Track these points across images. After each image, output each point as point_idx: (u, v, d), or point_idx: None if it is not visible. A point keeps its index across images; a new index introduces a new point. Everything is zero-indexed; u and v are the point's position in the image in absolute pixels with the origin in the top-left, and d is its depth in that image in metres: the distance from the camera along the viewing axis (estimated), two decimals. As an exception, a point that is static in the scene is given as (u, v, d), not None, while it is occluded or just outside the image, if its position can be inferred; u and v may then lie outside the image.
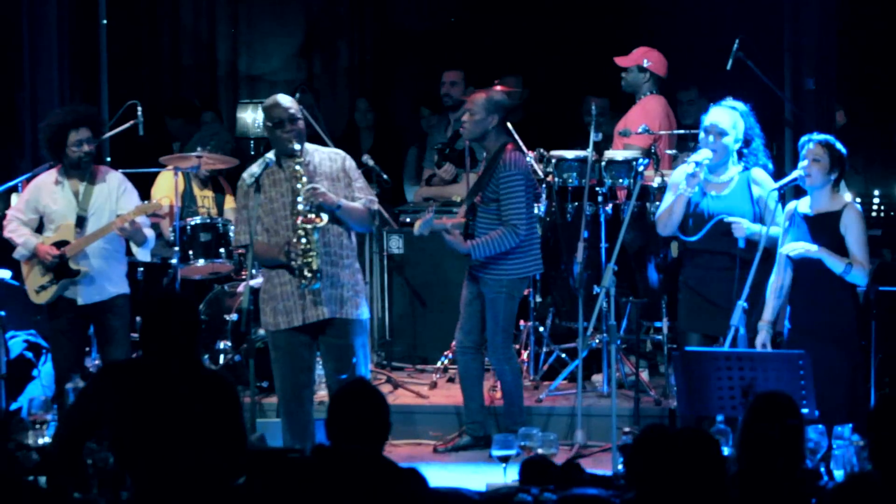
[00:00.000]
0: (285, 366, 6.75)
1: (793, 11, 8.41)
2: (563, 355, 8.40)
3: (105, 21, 9.14)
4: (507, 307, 7.35)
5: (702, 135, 6.88)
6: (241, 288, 8.03)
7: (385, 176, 8.70)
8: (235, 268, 8.36)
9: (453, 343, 7.87)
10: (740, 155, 6.87)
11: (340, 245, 6.73)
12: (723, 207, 6.81)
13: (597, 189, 8.08)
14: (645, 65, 8.47)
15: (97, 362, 8.00)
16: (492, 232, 7.24)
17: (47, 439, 5.51)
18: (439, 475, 6.71)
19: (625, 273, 8.02)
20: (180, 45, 11.86)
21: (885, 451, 4.24)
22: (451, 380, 8.47)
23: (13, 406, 7.80)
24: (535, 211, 7.71)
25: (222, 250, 8.19)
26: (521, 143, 7.96)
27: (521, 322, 8.40)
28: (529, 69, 10.37)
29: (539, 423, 7.60)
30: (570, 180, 8.17)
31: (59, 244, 7.36)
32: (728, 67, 8.20)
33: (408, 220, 9.10)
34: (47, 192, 7.48)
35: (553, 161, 8.19)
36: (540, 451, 5.30)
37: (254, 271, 7.21)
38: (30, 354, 8.25)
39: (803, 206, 6.57)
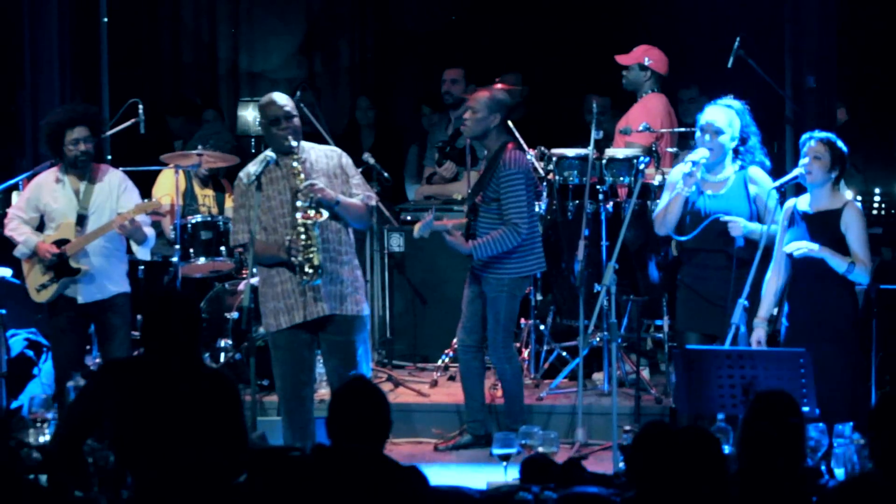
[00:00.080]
0: (286, 365, 6.75)
1: (793, 10, 8.41)
2: (564, 353, 8.40)
3: (106, 19, 9.15)
4: (508, 306, 7.35)
5: (698, 133, 6.88)
6: (241, 286, 8.03)
7: (386, 174, 8.70)
8: (236, 266, 8.37)
9: (454, 341, 7.87)
10: (736, 153, 6.86)
11: (339, 241, 6.73)
12: (719, 206, 6.80)
13: (598, 187, 8.08)
14: (646, 63, 8.47)
15: (98, 360, 8.00)
16: (493, 232, 7.23)
17: (48, 438, 5.50)
18: (440, 474, 6.72)
19: (626, 271, 8.02)
20: (181, 44, 11.86)
21: (886, 450, 4.24)
22: (451, 378, 8.47)
23: (14, 404, 7.81)
24: (536, 209, 7.71)
25: (223, 248, 8.19)
26: (521, 142, 7.97)
27: (522, 320, 8.40)
28: (530, 67, 10.38)
29: (540, 421, 7.61)
30: (571, 178, 8.17)
31: (60, 242, 7.37)
32: (729, 65, 8.21)
33: (408, 218, 9.11)
34: (48, 190, 7.48)
35: (554, 159, 8.19)
36: (541, 449, 5.29)
37: (254, 269, 7.21)
38: (30, 353, 8.26)
39: (802, 203, 6.56)
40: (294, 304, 6.65)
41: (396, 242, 9.08)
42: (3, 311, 7.76)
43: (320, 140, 7.61)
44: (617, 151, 8.19)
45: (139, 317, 7.86)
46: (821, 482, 4.86)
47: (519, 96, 9.60)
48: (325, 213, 6.55)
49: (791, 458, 4.30)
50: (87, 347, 8.04)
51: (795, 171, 6.54)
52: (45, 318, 7.73)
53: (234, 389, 4.81)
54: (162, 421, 4.63)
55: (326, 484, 4.21)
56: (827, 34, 8.34)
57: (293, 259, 6.55)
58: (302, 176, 6.59)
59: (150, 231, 7.51)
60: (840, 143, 6.49)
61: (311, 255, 6.54)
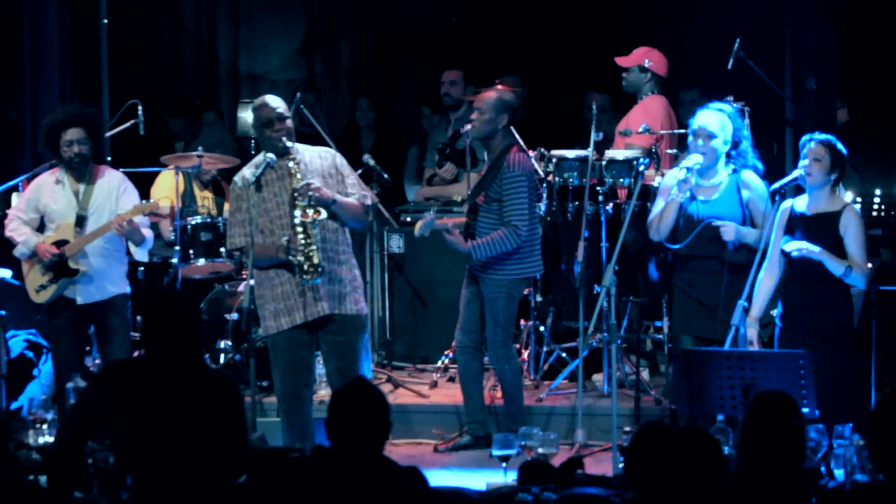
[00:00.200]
0: (285, 367, 6.75)
1: (793, 11, 8.41)
2: (564, 354, 8.40)
3: (105, 20, 9.14)
4: (506, 307, 7.35)
5: (690, 138, 6.87)
6: (241, 287, 8.03)
7: (386, 175, 8.70)
8: (236, 267, 8.37)
9: (454, 342, 7.87)
10: (728, 157, 6.86)
11: (337, 241, 6.73)
12: (712, 211, 6.80)
13: (597, 188, 8.09)
14: (646, 65, 8.46)
15: (97, 361, 8.00)
16: (493, 232, 7.23)
17: (48, 438, 5.51)
18: (440, 475, 6.73)
19: (625, 272, 8.03)
20: (181, 45, 11.86)
21: (886, 452, 4.24)
22: (451, 379, 8.47)
23: (14, 405, 7.81)
24: (537, 211, 7.70)
25: (223, 250, 8.19)
26: (522, 144, 7.97)
27: (522, 321, 8.40)
28: (529, 69, 10.37)
29: (539, 422, 7.61)
30: (571, 180, 8.17)
31: (59, 243, 7.37)
32: (729, 67, 8.21)
33: (408, 219, 9.10)
34: (48, 191, 7.48)
35: (554, 160, 8.19)
36: (540, 450, 5.29)
37: (254, 271, 7.20)
38: (30, 354, 8.26)
39: (800, 205, 6.56)
40: (294, 305, 6.65)
41: (396, 244, 9.08)
42: (3, 313, 7.76)
43: (321, 142, 7.60)
44: (617, 153, 8.19)
45: (139, 318, 7.87)
46: (820, 483, 4.86)
47: (519, 98, 9.60)
48: (324, 212, 6.56)
49: (791, 458, 4.30)
50: (87, 348, 8.04)
51: (795, 173, 6.54)
52: (44, 319, 7.73)
53: (236, 390, 4.81)
54: (162, 422, 4.63)
55: (326, 485, 4.21)
56: (827, 35, 8.34)
57: (292, 258, 6.55)
58: (298, 176, 6.59)
59: (148, 232, 7.50)
60: (840, 146, 6.49)
61: (310, 254, 6.54)
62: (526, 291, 8.12)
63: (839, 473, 5.07)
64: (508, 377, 7.45)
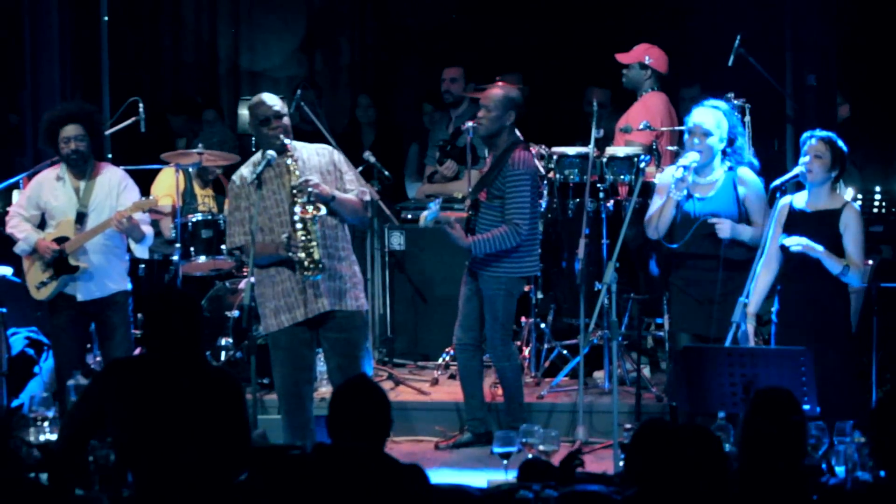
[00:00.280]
0: (286, 365, 6.74)
1: (794, 7, 8.41)
2: (565, 352, 8.40)
3: (106, 18, 9.15)
4: (505, 305, 7.35)
5: (686, 136, 6.87)
6: (242, 285, 8.03)
7: (386, 172, 8.70)
8: (237, 264, 8.37)
9: (453, 340, 7.86)
10: (724, 154, 6.86)
11: (336, 237, 6.72)
12: (708, 209, 6.81)
13: (598, 185, 8.09)
14: (646, 62, 8.46)
15: (98, 359, 8.00)
16: (494, 229, 7.23)
17: (48, 436, 5.51)
18: (440, 472, 6.73)
19: (626, 269, 8.03)
20: (182, 42, 11.86)
21: (887, 450, 4.24)
22: (452, 376, 8.47)
23: (15, 403, 7.81)
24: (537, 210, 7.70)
25: (224, 247, 8.18)
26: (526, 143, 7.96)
27: (523, 318, 8.41)
28: (530, 66, 10.37)
29: (540, 419, 7.62)
30: (572, 177, 8.18)
31: (60, 240, 7.37)
32: (730, 64, 8.21)
33: (409, 216, 9.11)
34: (48, 188, 7.49)
35: (554, 157, 8.19)
36: (541, 447, 5.28)
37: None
38: (31, 351, 8.26)
39: (799, 201, 6.57)
40: (294, 302, 6.65)
41: (397, 241, 9.08)
42: (4, 310, 7.76)
43: (321, 139, 7.60)
44: (617, 150, 8.19)
45: (140, 315, 7.87)
46: (821, 480, 4.86)
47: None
48: (323, 208, 6.56)
49: (792, 455, 4.30)
50: (88, 346, 8.04)
51: (796, 170, 6.54)
52: (45, 317, 7.73)
53: (238, 387, 4.81)
54: (164, 419, 4.63)
55: (327, 482, 4.21)
56: (827, 32, 8.35)
57: (293, 255, 6.54)
58: (297, 173, 6.58)
59: (148, 229, 7.50)
60: (840, 143, 6.50)
61: (311, 250, 6.53)
62: (527, 288, 8.13)
63: (840, 470, 5.07)
64: (509, 374, 7.45)
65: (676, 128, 8.40)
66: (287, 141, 6.64)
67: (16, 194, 8.32)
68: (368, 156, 8.65)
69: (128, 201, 7.39)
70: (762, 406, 4.36)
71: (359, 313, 6.77)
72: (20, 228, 7.48)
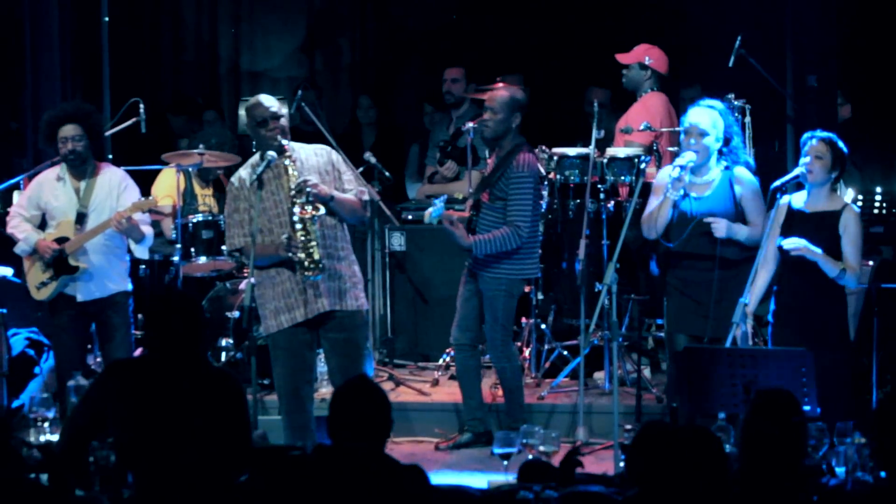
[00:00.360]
0: (286, 365, 6.74)
1: (794, 8, 8.41)
2: (565, 352, 8.40)
3: (107, 19, 9.15)
4: (506, 305, 7.35)
5: (682, 136, 6.88)
6: (242, 285, 8.03)
7: (387, 173, 8.70)
8: (237, 265, 8.36)
9: (451, 339, 7.84)
10: (720, 154, 6.87)
11: (335, 237, 6.73)
12: (705, 208, 6.81)
13: (599, 186, 8.09)
14: (646, 62, 8.46)
15: (99, 359, 8.00)
16: (495, 230, 7.23)
17: (49, 437, 5.51)
18: (441, 474, 6.73)
19: (627, 270, 8.02)
20: (182, 43, 11.86)
21: (888, 451, 4.24)
22: (452, 377, 8.46)
23: (15, 403, 7.81)
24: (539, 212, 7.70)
25: (224, 248, 8.18)
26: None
27: (524, 319, 8.41)
28: (530, 67, 10.37)
29: (541, 420, 7.62)
30: (572, 177, 8.18)
31: (60, 240, 7.37)
32: (730, 64, 8.21)
33: (409, 217, 9.11)
34: (49, 188, 7.49)
35: (555, 158, 8.20)
36: (541, 448, 5.28)
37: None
38: (31, 352, 8.26)
39: (798, 201, 6.57)
40: (294, 303, 6.65)
41: (398, 241, 9.08)
42: (4, 311, 7.76)
43: (322, 139, 7.60)
44: (618, 150, 8.19)
45: (140, 316, 7.88)
46: (822, 481, 4.86)
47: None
48: (322, 208, 6.56)
49: (792, 456, 4.30)
50: (89, 346, 8.04)
51: (797, 171, 6.54)
52: (45, 317, 7.73)
53: (239, 388, 4.81)
54: (165, 420, 4.63)
55: (328, 483, 4.21)
56: (828, 33, 8.35)
57: (293, 255, 6.54)
58: (294, 173, 6.59)
59: (148, 230, 7.50)
60: (841, 144, 6.50)
61: (311, 250, 6.53)
62: (527, 289, 8.13)
63: (840, 471, 5.07)
64: (509, 375, 7.45)
65: (676, 128, 8.40)
66: (284, 142, 6.64)
67: (16, 195, 8.32)
68: (369, 156, 8.65)
69: (128, 202, 7.39)
70: (763, 407, 4.36)
71: (359, 313, 6.77)
72: (21, 229, 7.48)
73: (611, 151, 8.18)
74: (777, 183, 6.64)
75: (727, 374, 5.66)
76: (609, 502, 4.49)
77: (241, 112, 10.89)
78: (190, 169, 8.41)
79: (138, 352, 7.73)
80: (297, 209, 6.53)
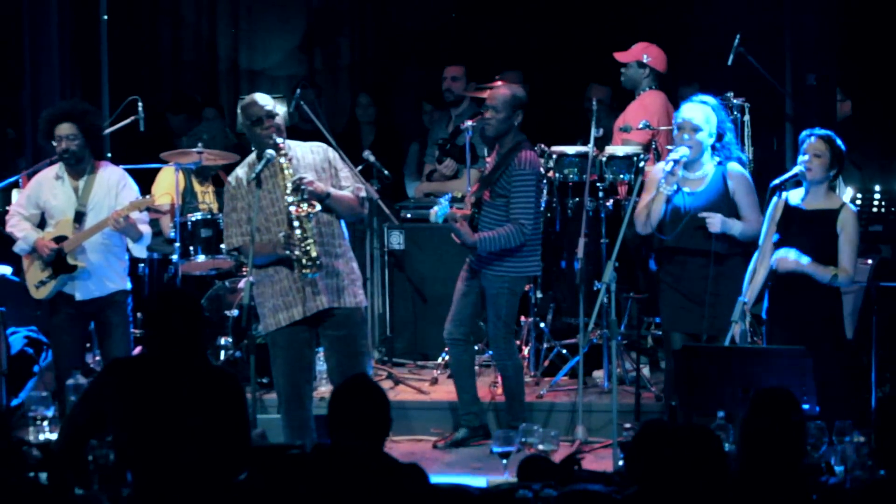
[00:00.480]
0: (285, 364, 6.74)
1: (794, 6, 8.41)
2: (564, 351, 8.40)
3: (105, 17, 9.15)
4: (509, 303, 7.36)
5: (676, 132, 6.88)
6: (241, 284, 8.03)
7: (386, 171, 8.69)
8: (236, 263, 8.37)
9: (444, 334, 7.82)
10: (713, 149, 6.87)
11: (333, 235, 6.72)
12: (698, 203, 6.81)
13: (597, 185, 8.09)
14: (645, 60, 8.46)
15: (98, 358, 8.00)
16: (499, 228, 7.23)
17: (48, 435, 5.51)
18: (440, 471, 6.73)
19: (626, 268, 8.03)
20: (181, 41, 11.86)
21: (888, 451, 4.24)
22: (451, 376, 8.46)
23: (14, 402, 7.81)
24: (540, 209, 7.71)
25: (223, 246, 8.19)
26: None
27: (522, 318, 8.40)
28: (529, 65, 10.37)
29: (540, 418, 7.62)
30: (571, 176, 8.19)
31: (59, 239, 7.37)
32: (729, 63, 8.21)
33: (408, 215, 9.10)
34: (48, 187, 7.49)
35: (554, 157, 8.20)
36: (540, 447, 5.29)
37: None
38: (30, 350, 8.26)
39: (795, 198, 6.58)
40: (293, 301, 6.64)
41: (396, 240, 9.07)
42: (3, 309, 7.76)
43: (321, 138, 7.60)
44: (617, 149, 8.20)
45: (139, 314, 7.88)
46: (821, 479, 4.86)
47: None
48: (318, 206, 6.55)
49: (791, 455, 4.30)
50: (88, 345, 8.04)
51: (796, 169, 6.55)
52: (44, 316, 7.74)
53: (238, 387, 4.81)
54: (164, 419, 4.63)
55: (327, 482, 4.21)
56: (827, 31, 8.35)
57: (290, 253, 6.54)
58: (290, 171, 6.59)
59: (145, 228, 7.50)
60: (839, 142, 6.50)
61: (308, 248, 6.53)
62: (526, 288, 8.12)
63: (839, 470, 5.07)
64: (510, 373, 7.45)
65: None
66: (280, 140, 6.64)
67: (15, 193, 8.33)
68: (368, 155, 8.65)
69: (126, 201, 7.39)
70: (762, 406, 4.36)
71: (357, 310, 6.77)
72: (20, 227, 7.48)
73: (610, 150, 8.18)
74: (776, 181, 6.65)
75: (726, 373, 5.66)
76: (608, 501, 4.49)
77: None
78: (190, 167, 8.41)
79: (137, 350, 7.74)
80: (292, 207, 6.52)
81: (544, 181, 8.12)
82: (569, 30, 10.70)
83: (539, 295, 8.47)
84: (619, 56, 8.53)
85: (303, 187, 6.52)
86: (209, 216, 8.28)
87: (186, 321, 4.77)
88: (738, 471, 4.26)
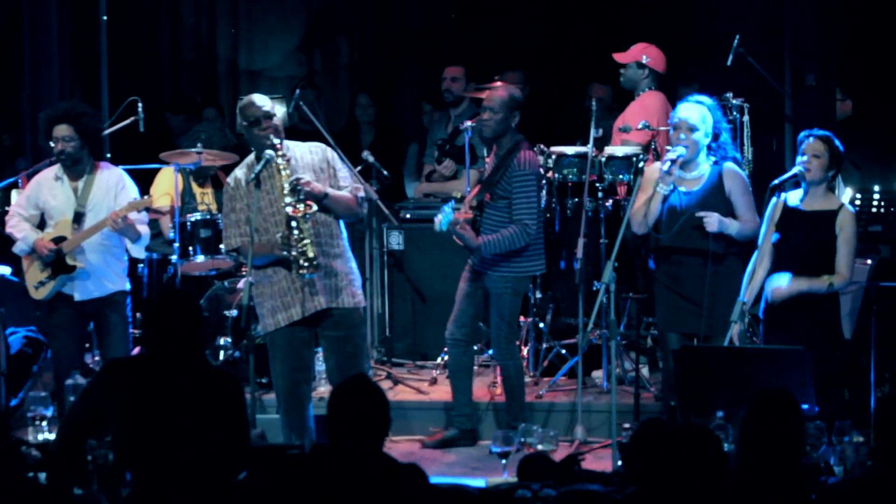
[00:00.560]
0: (284, 364, 6.74)
1: (793, 7, 8.41)
2: (563, 351, 8.40)
3: (105, 18, 9.15)
4: (512, 303, 7.36)
5: (672, 132, 6.89)
6: (240, 284, 8.03)
7: (385, 172, 8.69)
8: (235, 264, 8.37)
9: (446, 334, 7.82)
10: (709, 149, 6.88)
11: (331, 235, 6.72)
12: (695, 203, 6.82)
13: (597, 185, 8.09)
14: (644, 61, 8.45)
15: (97, 358, 8.00)
16: (503, 230, 7.23)
17: (47, 436, 5.51)
18: (439, 471, 6.73)
19: (625, 269, 8.03)
20: (180, 42, 11.85)
21: (888, 451, 4.24)
22: (449, 376, 8.46)
23: (13, 402, 7.81)
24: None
25: (222, 246, 8.19)
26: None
27: (522, 318, 8.39)
28: (529, 66, 10.37)
29: (539, 418, 7.62)
30: (571, 176, 8.18)
31: (58, 240, 7.38)
32: (728, 63, 8.21)
33: (408, 216, 9.10)
34: (47, 187, 7.49)
35: (553, 157, 8.20)
36: (540, 447, 5.30)
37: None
38: (30, 351, 8.26)
39: (793, 199, 6.58)
40: (291, 301, 6.64)
41: (396, 240, 9.07)
42: (2, 310, 7.77)
43: (320, 138, 7.60)
44: (616, 149, 8.20)
45: (139, 315, 7.88)
46: (820, 479, 4.86)
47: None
48: (314, 206, 6.55)
49: (791, 455, 4.30)
50: (87, 346, 8.04)
51: (795, 170, 6.55)
52: (43, 316, 7.74)
53: (237, 387, 4.81)
54: (163, 419, 4.64)
55: (326, 482, 4.21)
56: (827, 31, 8.35)
57: (287, 254, 6.54)
58: (287, 172, 6.59)
59: (144, 229, 7.50)
60: (837, 143, 6.51)
61: (304, 249, 6.53)
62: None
63: (838, 470, 5.07)
64: (512, 372, 7.46)
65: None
66: (277, 141, 6.64)
67: (14, 194, 8.33)
68: (367, 155, 8.65)
69: (125, 201, 7.40)
70: (761, 406, 4.36)
71: (356, 310, 6.77)
72: (19, 228, 7.49)
73: (609, 150, 8.18)
74: (776, 181, 6.65)
75: (725, 373, 5.66)
76: (607, 501, 4.50)
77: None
78: (188, 168, 8.41)
79: (136, 351, 7.75)
80: (289, 208, 6.52)
81: (543, 181, 8.13)
82: (568, 30, 10.70)
83: (538, 295, 8.47)
84: (618, 57, 8.53)
85: (299, 188, 6.52)
86: (208, 216, 8.27)
87: (185, 321, 4.78)
88: (737, 471, 4.26)
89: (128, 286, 7.58)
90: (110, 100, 8.95)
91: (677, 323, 6.91)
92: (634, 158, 8.10)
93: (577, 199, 8.21)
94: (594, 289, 7.61)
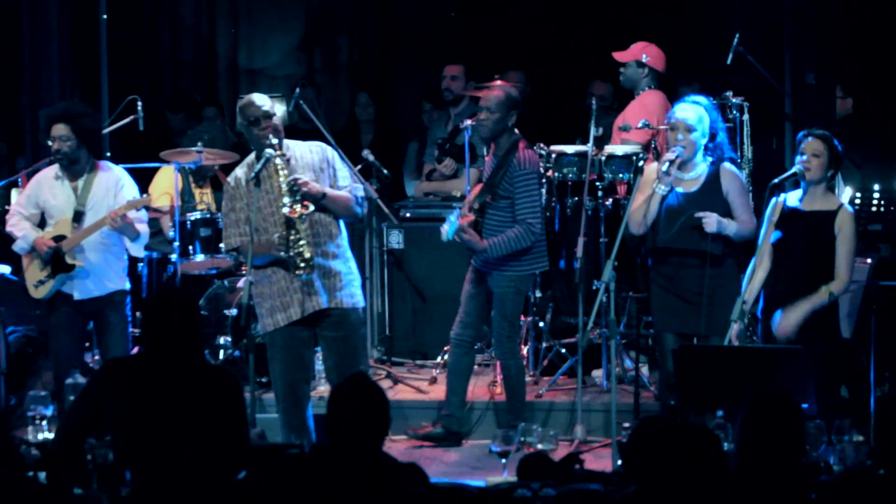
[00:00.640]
0: (283, 364, 6.74)
1: (793, 6, 8.41)
2: (563, 350, 8.40)
3: (105, 17, 9.15)
4: (514, 302, 7.37)
5: (669, 132, 6.88)
6: (240, 283, 8.03)
7: (385, 171, 8.69)
8: (235, 263, 8.37)
9: (451, 334, 7.82)
10: (706, 149, 6.88)
11: (329, 235, 6.72)
12: (692, 203, 6.81)
13: (597, 184, 8.09)
14: (643, 60, 8.45)
15: (97, 357, 8.00)
16: (508, 231, 7.23)
17: (46, 435, 5.51)
18: (439, 471, 6.73)
19: (625, 268, 8.02)
20: (180, 41, 11.85)
21: (887, 451, 4.24)
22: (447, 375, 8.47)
23: (13, 401, 7.81)
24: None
25: (222, 245, 8.19)
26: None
27: (521, 317, 8.40)
28: (529, 65, 10.37)
29: (539, 418, 7.62)
30: (570, 175, 8.18)
31: (57, 239, 7.38)
32: (728, 62, 8.21)
33: (408, 215, 9.10)
34: (47, 186, 7.49)
35: (553, 156, 8.20)
36: (539, 446, 5.29)
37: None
38: (30, 350, 8.26)
39: (792, 199, 6.58)
40: (290, 301, 6.64)
41: (396, 239, 9.07)
42: (2, 309, 7.77)
43: (320, 137, 7.60)
44: (616, 148, 8.20)
45: (138, 314, 7.87)
46: (820, 479, 4.86)
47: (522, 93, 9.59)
48: (311, 206, 6.54)
49: (790, 454, 4.30)
50: (87, 344, 8.04)
51: (794, 169, 6.55)
52: (43, 315, 7.74)
53: (236, 386, 4.81)
54: (162, 418, 4.64)
55: (325, 481, 4.21)
56: (827, 30, 8.34)
57: (283, 254, 6.54)
58: (285, 172, 6.58)
59: (142, 228, 7.49)
60: (836, 142, 6.51)
61: (301, 249, 6.53)
62: (528, 287, 8.14)
63: (838, 469, 5.07)
64: (513, 372, 7.46)
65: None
66: (275, 140, 6.63)
67: (15, 193, 8.33)
68: (367, 154, 8.64)
69: (125, 200, 7.40)
70: (761, 405, 4.37)
71: (355, 310, 6.77)
72: (19, 227, 7.49)
73: (609, 149, 8.18)
74: (775, 181, 6.65)
75: (724, 373, 5.66)
76: (607, 500, 4.50)
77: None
78: (188, 167, 8.41)
79: (135, 350, 7.75)
80: (285, 209, 6.52)
81: (543, 180, 8.13)
82: (568, 29, 10.69)
83: (538, 294, 8.47)
84: (618, 56, 8.53)
85: (297, 188, 6.52)
86: (208, 215, 8.28)
87: (184, 320, 4.78)
88: (737, 470, 4.27)
89: (128, 285, 7.58)
90: (110, 99, 8.95)
91: (674, 323, 6.91)
92: (634, 157, 8.10)
93: (576, 198, 8.21)
94: (594, 288, 7.60)
